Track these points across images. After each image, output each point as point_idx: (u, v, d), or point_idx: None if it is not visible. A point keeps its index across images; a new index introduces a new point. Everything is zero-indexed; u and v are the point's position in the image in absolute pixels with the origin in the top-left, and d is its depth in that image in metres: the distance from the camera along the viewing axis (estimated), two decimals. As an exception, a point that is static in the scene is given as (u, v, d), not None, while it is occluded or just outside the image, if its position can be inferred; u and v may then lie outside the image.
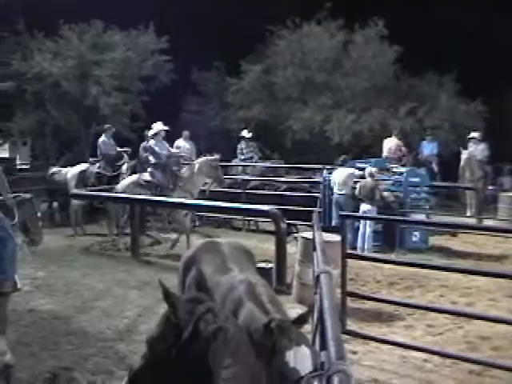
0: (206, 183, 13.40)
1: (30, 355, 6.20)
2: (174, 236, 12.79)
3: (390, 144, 16.36)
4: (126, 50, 20.67)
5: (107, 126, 15.63)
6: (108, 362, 6.11)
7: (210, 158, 12.89)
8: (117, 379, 5.68)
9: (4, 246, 5.77)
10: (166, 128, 13.34)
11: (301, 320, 3.21)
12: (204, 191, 13.59)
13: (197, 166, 12.67)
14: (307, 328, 3.43)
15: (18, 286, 6.21)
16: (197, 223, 15.49)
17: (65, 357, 6.20)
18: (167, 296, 3.06)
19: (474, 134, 16.44)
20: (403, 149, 16.30)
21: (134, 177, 13.15)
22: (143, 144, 14.75)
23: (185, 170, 12.91)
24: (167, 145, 13.56)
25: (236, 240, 5.51)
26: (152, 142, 13.17)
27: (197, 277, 4.22)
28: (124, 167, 14.32)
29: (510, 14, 20.85)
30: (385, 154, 16.16)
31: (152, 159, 13.04)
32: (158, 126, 13.23)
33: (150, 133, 13.28)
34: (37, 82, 19.60)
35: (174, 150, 14.55)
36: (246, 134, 17.29)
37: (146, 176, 12.90)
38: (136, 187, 12.69)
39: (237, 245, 4.78)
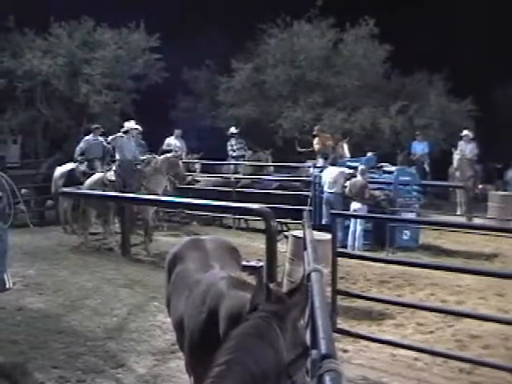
0: (170, 180, 13.24)
1: (19, 354, 6.18)
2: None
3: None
4: (116, 48, 20.53)
5: (95, 126, 15.54)
6: (98, 360, 6.11)
7: (169, 155, 12.89)
8: (107, 378, 5.68)
9: None
10: (136, 127, 13.11)
11: (294, 292, 3.01)
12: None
13: (157, 164, 12.47)
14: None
15: (7, 285, 6.17)
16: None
17: (54, 355, 6.19)
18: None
19: (465, 132, 16.52)
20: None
21: (99, 175, 12.92)
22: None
23: (147, 169, 12.53)
24: (133, 143, 13.09)
25: (221, 237, 5.50)
26: (120, 140, 12.73)
27: (181, 274, 4.21)
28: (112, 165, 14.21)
29: (498, 13, 21.01)
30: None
31: (117, 157, 12.78)
32: (129, 125, 12.95)
33: (121, 131, 12.91)
34: (27, 79, 19.44)
35: (164, 148, 14.41)
36: (233, 130, 17.42)
37: (111, 175, 12.61)
38: (100, 186, 12.37)
39: (221, 242, 4.74)
